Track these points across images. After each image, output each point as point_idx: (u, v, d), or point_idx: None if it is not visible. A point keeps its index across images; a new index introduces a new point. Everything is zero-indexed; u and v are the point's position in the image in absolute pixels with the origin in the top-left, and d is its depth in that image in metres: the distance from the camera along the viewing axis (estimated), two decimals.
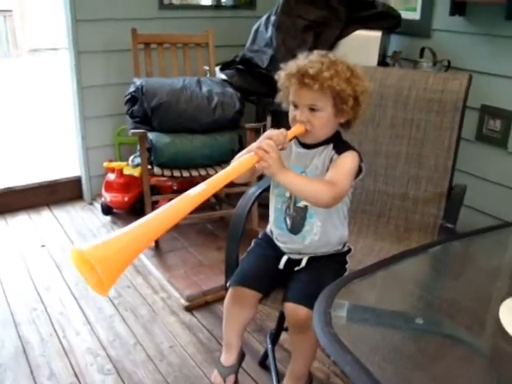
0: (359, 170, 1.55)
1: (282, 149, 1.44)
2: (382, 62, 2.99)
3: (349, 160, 1.50)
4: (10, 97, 6.68)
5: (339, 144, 1.54)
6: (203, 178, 2.96)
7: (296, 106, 1.49)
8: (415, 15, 3.14)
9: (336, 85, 1.44)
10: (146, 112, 2.84)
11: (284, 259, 1.61)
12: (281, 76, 1.53)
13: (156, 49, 3.13)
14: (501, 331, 0.99)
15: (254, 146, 1.43)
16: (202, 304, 2.50)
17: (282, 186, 1.49)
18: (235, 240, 1.67)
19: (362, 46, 2.93)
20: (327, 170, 1.51)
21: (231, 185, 1.46)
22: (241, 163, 1.40)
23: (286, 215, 1.59)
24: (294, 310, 1.49)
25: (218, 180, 1.33)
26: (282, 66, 1.53)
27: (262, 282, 1.61)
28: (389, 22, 3.01)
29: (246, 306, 1.62)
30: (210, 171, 2.83)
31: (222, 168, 2.84)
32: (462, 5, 2.76)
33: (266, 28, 3.05)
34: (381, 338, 0.99)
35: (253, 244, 1.72)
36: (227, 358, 1.69)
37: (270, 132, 1.44)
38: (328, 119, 1.49)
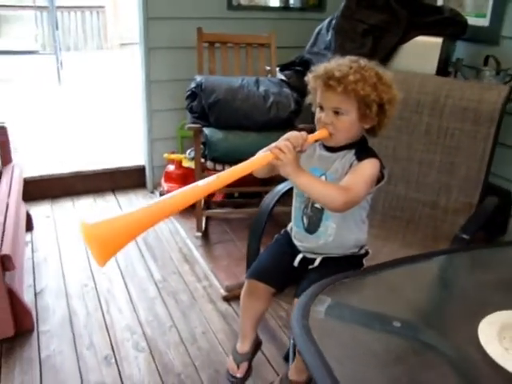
0: (381, 177, 1.55)
1: (300, 151, 1.46)
2: (443, 69, 2.94)
3: (367, 166, 1.50)
4: (93, 86, 7.08)
5: (361, 150, 1.54)
6: (250, 174, 3.07)
7: (322, 108, 1.51)
8: (484, 21, 3.06)
9: (360, 89, 1.45)
10: (204, 108, 2.96)
11: (299, 257, 1.66)
12: (309, 78, 1.56)
13: (220, 48, 3.25)
14: (476, 343, 1.01)
15: (272, 145, 1.48)
16: (238, 295, 2.57)
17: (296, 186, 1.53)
18: (257, 235, 1.75)
19: (421, 52, 2.90)
20: (346, 174, 1.52)
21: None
22: (254, 160, 1.47)
23: (304, 214, 1.63)
24: None
25: (229, 174, 1.41)
26: (312, 68, 1.57)
27: (276, 278, 1.67)
28: (453, 29, 2.96)
29: (259, 299, 1.70)
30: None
31: None
32: None
33: (328, 31, 3.09)
34: (350, 335, 1.03)
35: (273, 240, 1.79)
36: (242, 346, 1.78)
37: (290, 134, 1.48)
38: (352, 123, 1.50)
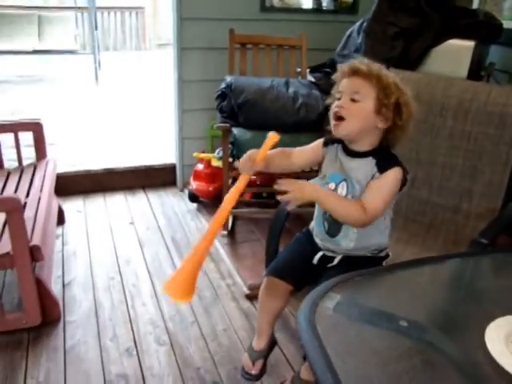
0: (404, 181, 1.53)
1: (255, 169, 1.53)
2: (475, 73, 2.91)
3: (390, 180, 1.49)
4: (130, 86, 7.22)
5: (383, 160, 1.52)
6: (280, 175, 3.09)
7: (339, 98, 1.50)
8: None
9: (384, 75, 1.48)
10: (233, 108, 3.00)
11: (318, 255, 1.66)
12: (336, 76, 1.56)
13: (251, 49, 3.28)
14: (482, 346, 1.00)
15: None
16: None
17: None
18: (276, 233, 1.76)
19: (453, 56, 2.87)
20: (367, 185, 1.51)
21: None
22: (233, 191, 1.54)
23: (324, 219, 1.63)
24: None
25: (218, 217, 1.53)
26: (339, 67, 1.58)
27: (294, 275, 1.68)
28: (487, 32, 2.92)
29: (277, 296, 1.71)
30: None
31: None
32: None
33: (358, 33, 3.09)
34: (356, 332, 1.03)
35: (293, 238, 1.80)
36: (258, 344, 1.80)
37: (240, 160, 1.56)
38: (366, 112, 1.47)
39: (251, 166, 1.52)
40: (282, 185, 1.45)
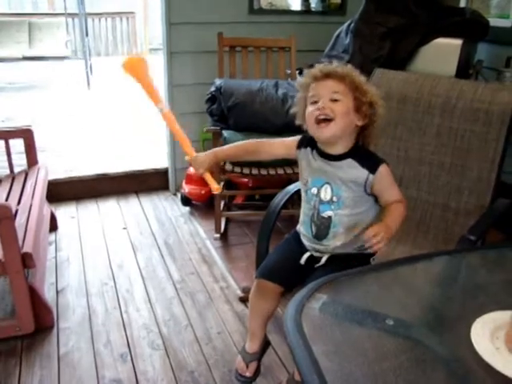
0: None
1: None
2: (464, 71, 2.92)
3: (388, 174, 1.56)
4: (121, 90, 7.20)
5: (366, 160, 1.55)
6: (271, 177, 3.09)
7: (315, 102, 1.51)
8: (507, 22, 3.04)
9: (355, 75, 1.52)
10: (224, 111, 3.01)
11: (306, 256, 1.68)
12: (302, 82, 1.59)
13: (240, 51, 3.29)
14: (468, 342, 1.01)
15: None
16: None
17: None
18: (265, 235, 1.77)
19: (441, 54, 2.88)
20: (364, 189, 1.56)
21: None
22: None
23: (312, 222, 1.65)
24: None
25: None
26: (298, 79, 1.62)
27: (284, 276, 1.70)
28: (474, 30, 2.94)
29: (267, 298, 1.72)
30: (279, 170, 2.94)
31: (292, 168, 2.96)
32: None
33: (346, 34, 3.10)
34: (342, 332, 1.04)
35: (283, 239, 1.81)
36: (251, 346, 1.81)
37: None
38: (348, 110, 1.50)
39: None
40: (371, 238, 1.44)
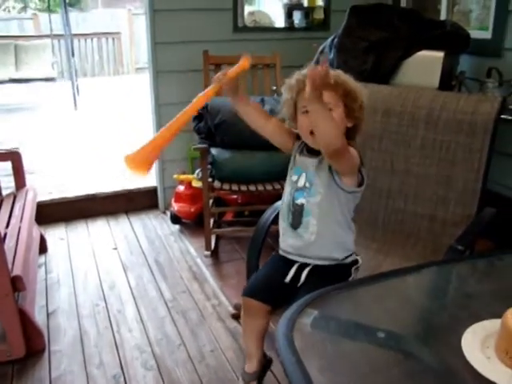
0: (361, 179, 1.61)
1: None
2: (447, 82, 2.96)
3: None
4: (108, 110, 7.23)
5: None
6: (260, 193, 3.09)
7: (307, 112, 1.53)
8: (487, 34, 3.09)
9: (346, 81, 1.55)
10: (210, 129, 3.02)
11: (291, 273, 1.68)
12: (290, 84, 1.62)
13: None
14: (459, 352, 1.02)
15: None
16: None
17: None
18: (255, 251, 1.78)
19: (424, 66, 2.92)
20: (330, 171, 1.58)
21: None
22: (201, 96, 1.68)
23: (289, 210, 1.68)
24: None
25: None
26: (285, 80, 1.64)
27: (269, 295, 1.70)
28: (456, 42, 2.98)
29: (256, 316, 1.73)
30: (268, 186, 2.95)
31: (280, 184, 2.97)
32: None
33: (330, 49, 3.14)
34: (334, 346, 1.04)
35: (269, 257, 1.82)
36: (249, 366, 1.82)
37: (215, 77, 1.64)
38: (340, 118, 1.55)
39: (221, 78, 1.61)
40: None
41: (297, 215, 1.65)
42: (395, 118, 2.03)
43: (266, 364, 1.88)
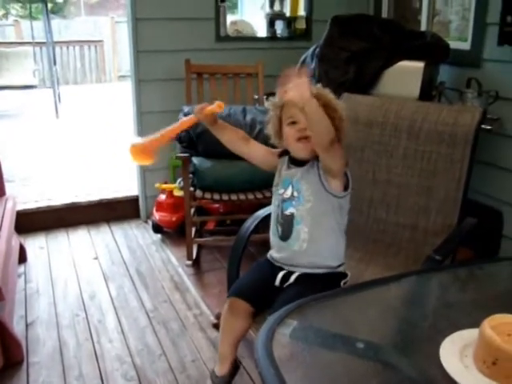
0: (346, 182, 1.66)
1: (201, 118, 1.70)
2: (427, 92, 2.99)
3: None
4: (90, 119, 7.19)
5: None
6: (242, 202, 3.09)
7: (293, 123, 1.62)
8: (466, 45, 3.13)
9: (326, 95, 1.62)
10: (192, 138, 3.01)
11: (280, 276, 1.70)
12: (274, 103, 1.68)
13: (208, 78, 3.32)
14: (437, 362, 1.02)
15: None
16: None
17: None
18: (236, 260, 1.78)
19: (404, 77, 2.95)
20: (319, 177, 1.63)
21: None
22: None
23: (278, 223, 1.71)
24: None
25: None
26: (270, 98, 1.68)
27: (255, 296, 1.72)
28: (436, 53, 3.02)
29: (239, 317, 1.74)
30: (250, 196, 2.95)
31: (262, 193, 2.98)
32: (511, 34, 2.73)
33: (312, 59, 3.16)
34: (313, 357, 1.04)
35: (255, 262, 1.84)
36: (221, 369, 1.81)
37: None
38: None
39: (199, 111, 1.69)
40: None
41: (287, 226, 1.68)
42: (377, 128, 2.05)
43: (234, 368, 1.88)
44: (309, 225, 1.64)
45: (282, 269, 1.73)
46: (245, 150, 1.80)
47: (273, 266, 1.75)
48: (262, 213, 1.89)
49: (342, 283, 1.69)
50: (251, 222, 1.86)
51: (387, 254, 1.99)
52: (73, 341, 2.45)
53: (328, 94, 1.64)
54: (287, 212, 1.67)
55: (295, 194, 1.65)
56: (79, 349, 2.39)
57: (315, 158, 1.64)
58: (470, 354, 1.05)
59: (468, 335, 1.10)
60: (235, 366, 1.85)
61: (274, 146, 1.77)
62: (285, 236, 1.69)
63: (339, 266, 1.71)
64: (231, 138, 1.80)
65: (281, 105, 1.65)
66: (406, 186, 1.97)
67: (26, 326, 2.55)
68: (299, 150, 1.65)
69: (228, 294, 1.77)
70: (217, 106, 1.71)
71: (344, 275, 1.71)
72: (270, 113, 1.70)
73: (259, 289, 1.73)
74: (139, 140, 1.77)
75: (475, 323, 1.11)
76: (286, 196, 1.68)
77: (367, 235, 2.00)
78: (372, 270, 1.95)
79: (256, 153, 1.80)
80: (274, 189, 1.76)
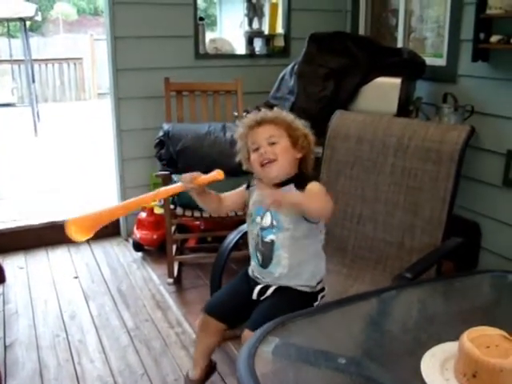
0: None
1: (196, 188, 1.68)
2: (404, 108, 3.04)
3: (314, 185, 1.63)
4: (70, 137, 7.15)
5: (300, 182, 1.66)
6: (223, 219, 3.09)
7: (257, 149, 1.66)
8: (442, 61, 3.20)
9: (286, 116, 1.67)
10: (172, 155, 3.01)
11: (257, 289, 1.72)
12: (240, 133, 1.74)
13: (187, 96, 3.33)
14: (418, 375, 1.03)
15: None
16: None
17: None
18: (217, 275, 1.79)
19: (382, 92, 3.00)
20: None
21: None
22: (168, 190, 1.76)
23: (257, 250, 1.73)
24: (249, 337, 1.56)
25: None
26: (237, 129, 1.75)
27: (228, 314, 1.76)
28: (412, 69, 3.07)
29: (210, 333, 1.80)
30: (230, 212, 2.95)
31: (242, 210, 2.97)
32: (485, 51, 2.80)
33: (291, 76, 3.20)
34: (295, 374, 1.05)
35: (236, 276, 1.86)
36: (194, 373, 1.89)
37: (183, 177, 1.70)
38: (287, 149, 1.65)
39: (190, 181, 1.67)
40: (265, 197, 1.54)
41: (267, 252, 1.69)
42: (367, 145, 2.08)
43: (209, 371, 1.94)
44: (288, 251, 1.66)
45: (258, 283, 1.75)
46: (223, 210, 1.87)
47: (250, 280, 1.78)
48: (243, 228, 1.90)
49: (319, 297, 1.70)
50: (231, 238, 1.88)
51: (374, 270, 2.00)
52: (53, 362, 2.41)
53: (287, 115, 1.69)
54: (267, 239, 1.69)
55: (274, 222, 1.67)
56: (60, 370, 2.36)
57: (290, 180, 1.66)
58: (451, 367, 1.06)
59: (448, 348, 1.11)
60: (207, 372, 1.91)
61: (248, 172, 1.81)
62: (265, 264, 1.71)
63: (320, 282, 1.72)
64: (218, 206, 1.80)
65: (245, 133, 1.70)
66: (393, 203, 1.99)
67: (5, 348, 2.51)
68: (265, 174, 1.68)
69: (202, 308, 1.82)
70: (217, 174, 1.70)
71: (322, 290, 1.73)
72: (238, 143, 1.75)
73: (235, 304, 1.76)
74: (82, 215, 1.67)
75: (456, 336, 1.13)
76: (265, 225, 1.69)
77: (355, 251, 2.02)
78: (358, 286, 1.96)
79: (232, 205, 1.85)
80: (247, 219, 1.78)
